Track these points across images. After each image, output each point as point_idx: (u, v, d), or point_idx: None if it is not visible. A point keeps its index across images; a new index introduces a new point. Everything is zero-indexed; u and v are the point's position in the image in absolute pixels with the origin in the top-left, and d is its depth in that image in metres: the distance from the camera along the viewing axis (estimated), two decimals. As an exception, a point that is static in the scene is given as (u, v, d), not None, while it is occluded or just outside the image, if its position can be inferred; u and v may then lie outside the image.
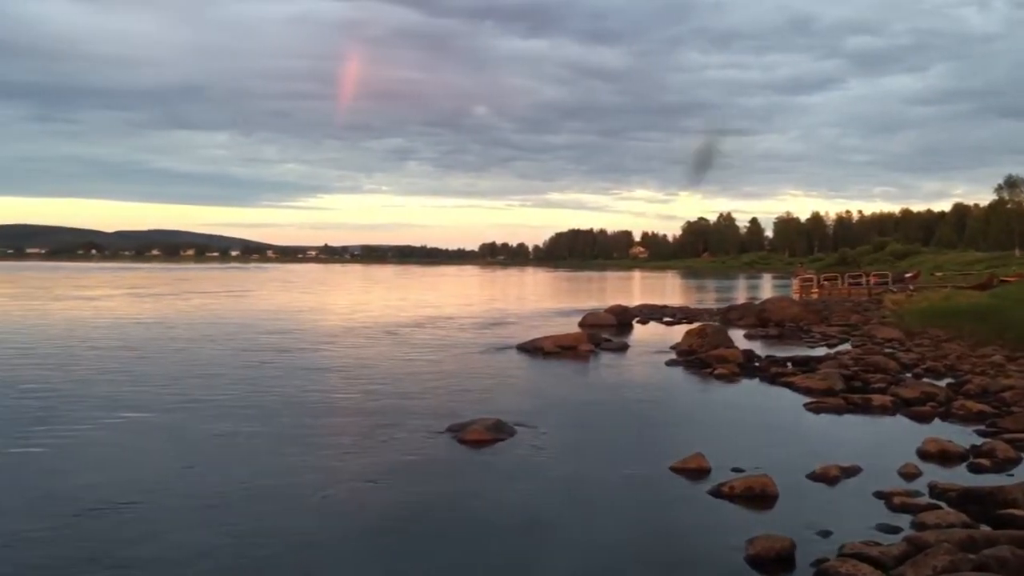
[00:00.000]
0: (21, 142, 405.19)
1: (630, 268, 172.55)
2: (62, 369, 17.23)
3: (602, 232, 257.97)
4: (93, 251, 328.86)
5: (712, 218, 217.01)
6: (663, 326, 31.17)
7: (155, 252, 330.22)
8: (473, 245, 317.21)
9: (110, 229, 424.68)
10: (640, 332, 28.71)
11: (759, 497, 8.63)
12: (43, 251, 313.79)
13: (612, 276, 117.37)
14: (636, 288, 74.67)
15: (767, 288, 71.91)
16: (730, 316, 32.58)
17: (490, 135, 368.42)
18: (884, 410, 13.62)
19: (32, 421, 11.91)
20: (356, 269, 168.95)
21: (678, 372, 18.60)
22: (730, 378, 17.48)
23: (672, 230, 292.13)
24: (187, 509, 8.09)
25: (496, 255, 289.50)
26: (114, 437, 11.19)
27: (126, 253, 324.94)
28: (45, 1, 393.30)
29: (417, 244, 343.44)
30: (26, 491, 8.63)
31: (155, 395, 14.24)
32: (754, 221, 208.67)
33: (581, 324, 28.72)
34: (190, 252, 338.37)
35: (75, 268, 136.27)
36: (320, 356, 20.24)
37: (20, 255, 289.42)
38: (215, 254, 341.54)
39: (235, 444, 10.85)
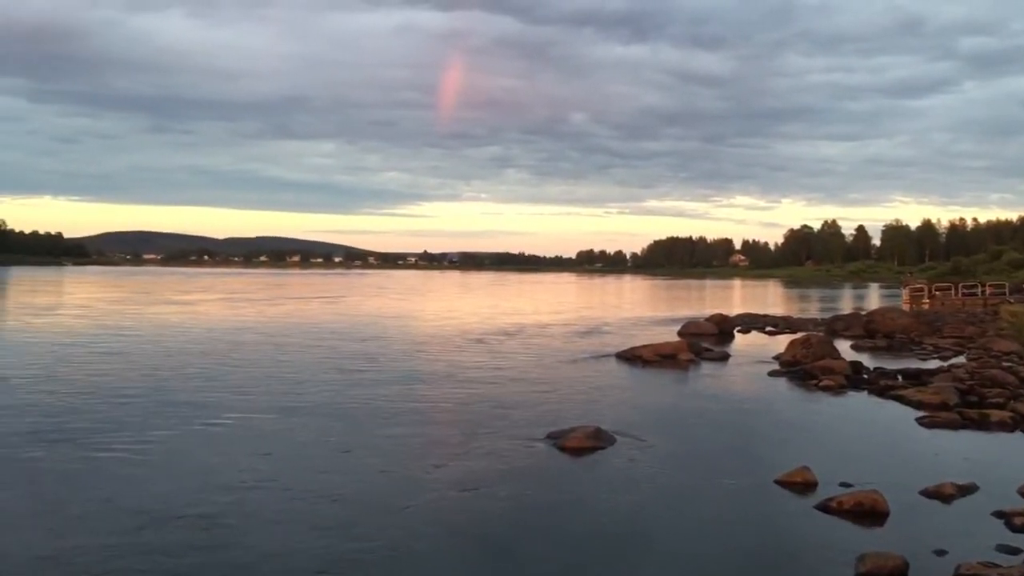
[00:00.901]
0: (138, 152, 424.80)
1: (730, 276, 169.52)
2: (164, 370, 17.96)
3: (701, 240, 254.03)
4: (205, 256, 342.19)
5: (816, 225, 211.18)
6: (765, 336, 30.54)
7: (263, 258, 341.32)
8: (570, 252, 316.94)
9: (221, 235, 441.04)
10: (741, 342, 28.19)
11: (869, 513, 8.39)
12: (159, 257, 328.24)
13: (711, 284, 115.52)
14: (736, 297, 73.30)
15: (874, 298, 69.56)
16: (835, 326, 31.66)
17: (588, 142, 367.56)
18: (1003, 426, 13.03)
19: (131, 420, 12.43)
20: (454, 276, 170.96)
21: (781, 383, 18.20)
22: (836, 390, 17.00)
23: (774, 238, 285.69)
24: (284, 513, 8.23)
25: (594, 263, 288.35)
26: (214, 439, 11.58)
27: (235, 259, 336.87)
28: (161, 17, 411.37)
29: (515, 251, 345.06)
30: (115, 491, 9.01)
31: (254, 398, 14.64)
32: (860, 229, 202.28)
33: (680, 333, 28.39)
34: (295, 258, 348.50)
35: (188, 273, 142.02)
36: (417, 362, 20.53)
37: (137, 260, 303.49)
38: (319, 260, 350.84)
39: (333, 448, 11.06)
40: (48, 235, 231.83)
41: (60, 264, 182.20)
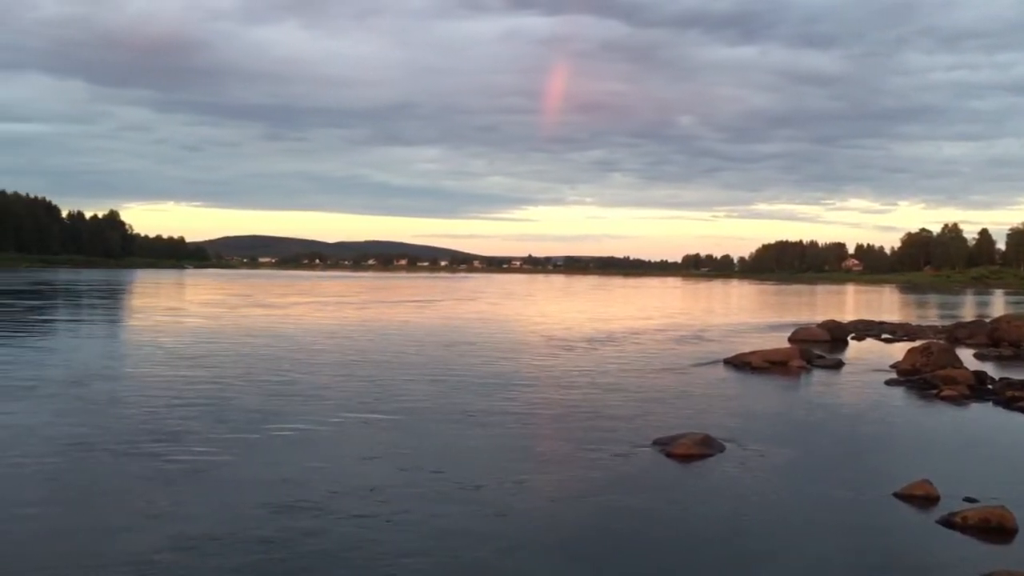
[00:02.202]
0: (255, 160, 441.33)
1: (842, 282, 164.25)
2: (275, 370, 18.53)
3: (812, 244, 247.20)
4: (316, 260, 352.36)
5: (935, 229, 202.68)
6: (881, 343, 29.45)
7: (371, 261, 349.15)
8: (676, 257, 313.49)
9: (332, 240, 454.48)
10: (856, 349, 27.28)
11: (996, 530, 8.00)
12: (273, 260, 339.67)
13: (823, 290, 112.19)
14: (850, 303, 70.99)
15: (999, 305, 66.28)
16: (957, 334, 30.30)
17: (695, 145, 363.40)
18: None
19: (257, 418, 12.84)
20: (558, 279, 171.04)
21: (899, 392, 17.51)
22: (959, 401, 16.25)
23: (890, 242, 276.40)
24: (389, 515, 8.30)
25: (700, 267, 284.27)
26: (321, 440, 11.86)
27: (345, 262, 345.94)
28: (277, 29, 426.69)
29: (619, 255, 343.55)
30: (239, 486, 9.33)
31: (358, 400, 14.87)
32: (984, 232, 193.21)
33: (791, 339, 27.67)
34: (403, 262, 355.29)
35: (300, 276, 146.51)
36: (520, 366, 20.55)
37: (253, 264, 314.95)
38: (425, 264, 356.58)
39: (439, 453, 11.17)
40: (171, 239, 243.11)
41: (182, 267, 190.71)
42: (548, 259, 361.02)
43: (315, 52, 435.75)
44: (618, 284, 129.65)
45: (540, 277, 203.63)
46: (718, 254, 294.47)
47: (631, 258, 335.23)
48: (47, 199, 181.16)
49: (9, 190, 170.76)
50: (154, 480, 9.23)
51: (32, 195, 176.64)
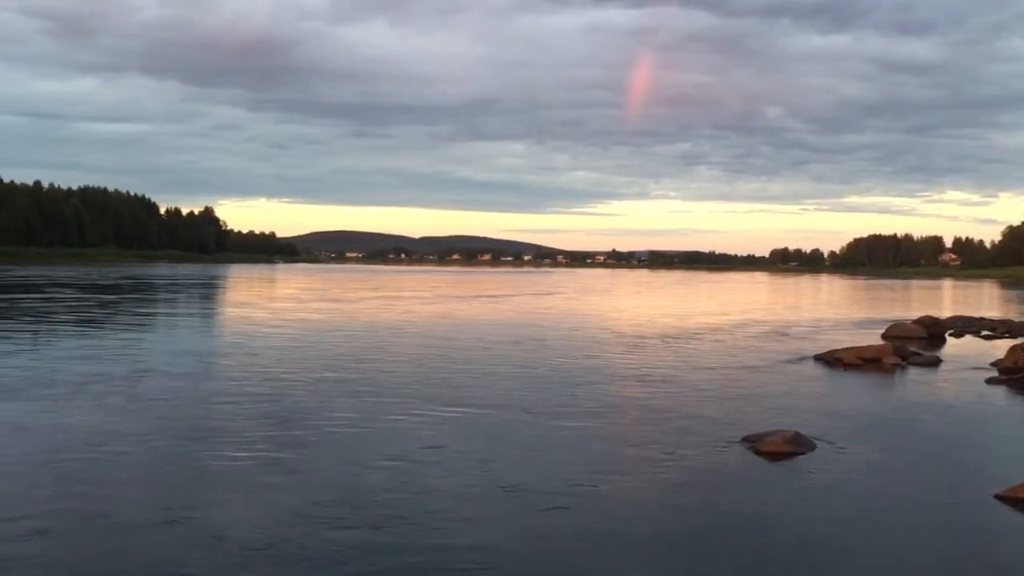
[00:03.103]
0: (342, 156, 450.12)
1: (939, 276, 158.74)
2: (366, 360, 18.88)
3: (907, 237, 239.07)
4: (402, 255, 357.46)
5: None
6: (981, 340, 28.35)
7: (455, 256, 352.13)
8: (763, 251, 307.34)
9: (416, 235, 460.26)
10: (954, 346, 26.33)
11: (1107, 537, 7.64)
12: (360, 255, 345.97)
13: (918, 285, 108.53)
14: (947, 298, 68.53)
15: (1110, 301, 63.07)
16: (1064, 331, 28.95)
17: (783, 137, 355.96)
18: None
19: (341, 411, 13.11)
20: (642, 274, 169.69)
21: (1000, 391, 16.84)
22: (1066, 401, 15.55)
23: (990, 235, 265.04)
24: (478, 509, 8.37)
25: (788, 261, 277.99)
26: (406, 432, 11.99)
27: (430, 257, 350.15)
28: (364, 28, 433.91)
29: (705, 250, 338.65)
30: (328, 477, 9.53)
31: (446, 392, 15.05)
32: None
33: (885, 336, 26.87)
34: (486, 257, 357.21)
35: (386, 270, 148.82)
36: (605, 362, 20.49)
37: (340, 258, 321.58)
38: (509, 258, 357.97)
39: (526, 446, 11.21)
40: (263, 235, 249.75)
41: (272, 262, 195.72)
42: (632, 254, 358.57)
43: (401, 50, 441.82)
44: (703, 279, 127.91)
45: (624, 272, 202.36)
46: (807, 248, 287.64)
47: (717, 252, 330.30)
48: (146, 196, 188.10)
49: (111, 188, 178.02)
50: (230, 472, 9.49)
51: (132, 192, 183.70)
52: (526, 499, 8.59)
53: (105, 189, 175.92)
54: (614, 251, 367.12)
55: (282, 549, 7.02)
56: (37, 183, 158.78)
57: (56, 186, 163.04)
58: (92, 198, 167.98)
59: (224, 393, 14.30)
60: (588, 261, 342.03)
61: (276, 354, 19.90)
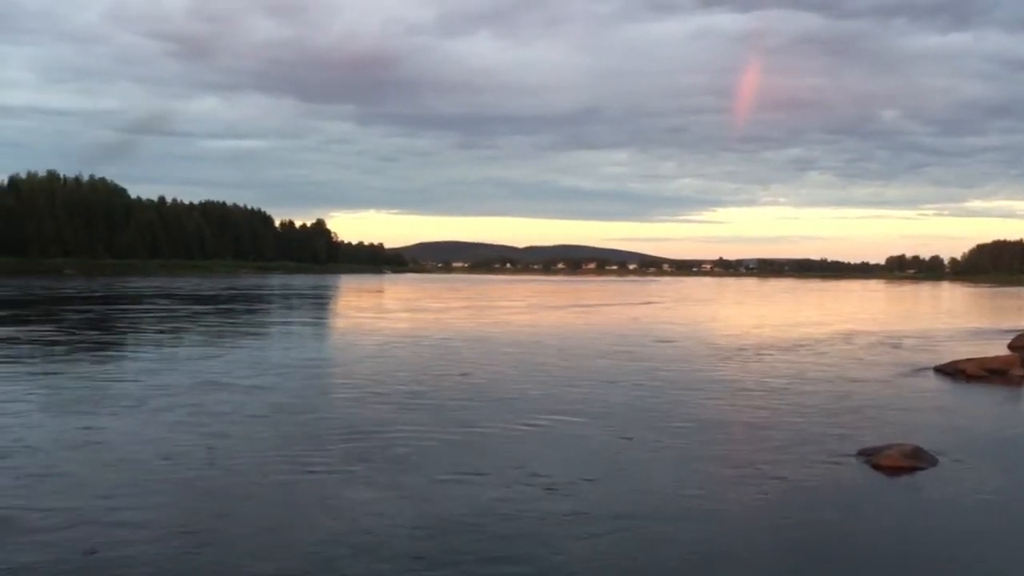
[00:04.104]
0: (448, 168, 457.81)
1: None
2: (475, 367, 19.02)
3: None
4: (507, 264, 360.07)
5: None
6: (1119, 352, 26.62)
7: (560, 266, 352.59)
8: (879, 258, 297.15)
9: (522, 244, 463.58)
10: (1089, 358, 24.78)
11: None
12: (466, 265, 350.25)
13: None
14: (1081, 307, 64.64)
15: None
16: None
17: (899, 140, 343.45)
18: None
19: (498, 414, 13.25)
20: (750, 283, 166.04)
21: None
22: None
23: None
24: (582, 519, 8.30)
25: (905, 268, 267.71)
26: (515, 440, 12.02)
27: (535, 266, 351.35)
28: (470, 41, 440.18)
29: (816, 257, 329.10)
30: (441, 481, 9.62)
31: (551, 402, 15.00)
32: None
33: (1012, 346, 25.54)
34: (591, 266, 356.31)
35: (490, 280, 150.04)
36: (710, 372, 20.03)
37: (447, 268, 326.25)
38: (614, 267, 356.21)
39: (633, 456, 11.12)
40: (371, 245, 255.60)
41: (380, 272, 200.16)
42: (740, 262, 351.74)
43: (505, 61, 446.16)
44: (814, 287, 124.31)
45: (730, 281, 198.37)
46: (926, 255, 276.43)
47: (829, 260, 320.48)
48: (262, 209, 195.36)
49: (229, 202, 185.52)
50: (349, 471, 9.71)
51: (249, 206, 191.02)
52: (632, 516, 8.42)
53: (224, 203, 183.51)
54: (721, 259, 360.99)
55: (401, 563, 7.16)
56: (161, 198, 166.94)
57: (179, 201, 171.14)
58: (212, 212, 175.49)
59: (328, 403, 14.73)
60: (694, 270, 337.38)
61: (372, 363, 20.28)
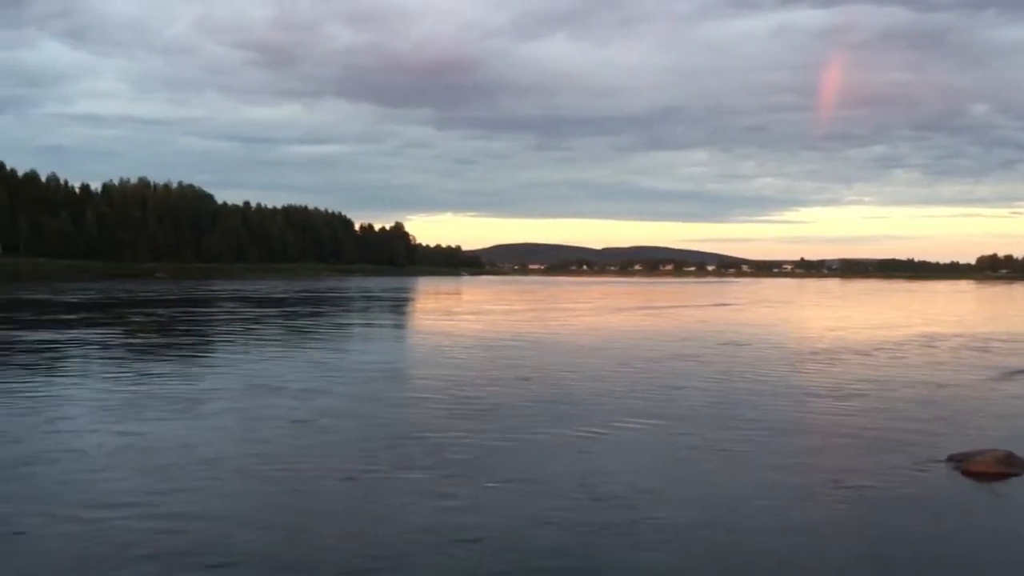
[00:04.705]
0: (525, 170, 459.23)
1: None
2: (554, 370, 19.08)
3: None
4: (584, 266, 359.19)
5: None
6: None
7: (637, 267, 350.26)
8: (969, 258, 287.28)
9: (598, 246, 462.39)
10: None
11: None
12: (542, 267, 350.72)
13: None
14: None
15: None
16: None
17: (991, 136, 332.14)
18: None
19: (558, 419, 13.30)
20: (832, 284, 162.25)
21: None
22: None
23: None
24: (649, 526, 8.26)
25: (997, 268, 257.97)
26: (597, 443, 12.00)
27: (611, 268, 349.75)
28: (547, 43, 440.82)
29: (902, 257, 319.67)
30: (546, 477, 9.65)
31: (628, 405, 14.93)
32: None
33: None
34: (669, 267, 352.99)
35: (563, 282, 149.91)
36: (790, 374, 19.56)
37: (523, 270, 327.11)
38: (691, 268, 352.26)
39: (713, 459, 10.98)
40: (449, 248, 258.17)
41: (458, 274, 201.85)
42: (822, 262, 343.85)
43: (582, 63, 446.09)
44: (899, 288, 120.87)
45: (811, 281, 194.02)
46: (1020, 254, 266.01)
47: (916, 260, 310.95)
48: (342, 213, 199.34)
49: (311, 206, 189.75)
50: (394, 479, 9.85)
51: (330, 210, 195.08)
52: (704, 526, 8.31)
53: (305, 207, 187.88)
54: (802, 260, 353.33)
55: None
56: (246, 203, 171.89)
57: (263, 206, 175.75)
58: (294, 216, 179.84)
59: (379, 408, 14.85)
60: (774, 271, 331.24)
61: (428, 367, 20.46)
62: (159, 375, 17.79)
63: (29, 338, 25.03)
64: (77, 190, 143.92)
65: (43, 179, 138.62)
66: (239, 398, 14.93)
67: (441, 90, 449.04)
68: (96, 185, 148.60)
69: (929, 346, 27.28)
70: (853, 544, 7.81)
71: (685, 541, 7.70)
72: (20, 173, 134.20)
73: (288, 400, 14.69)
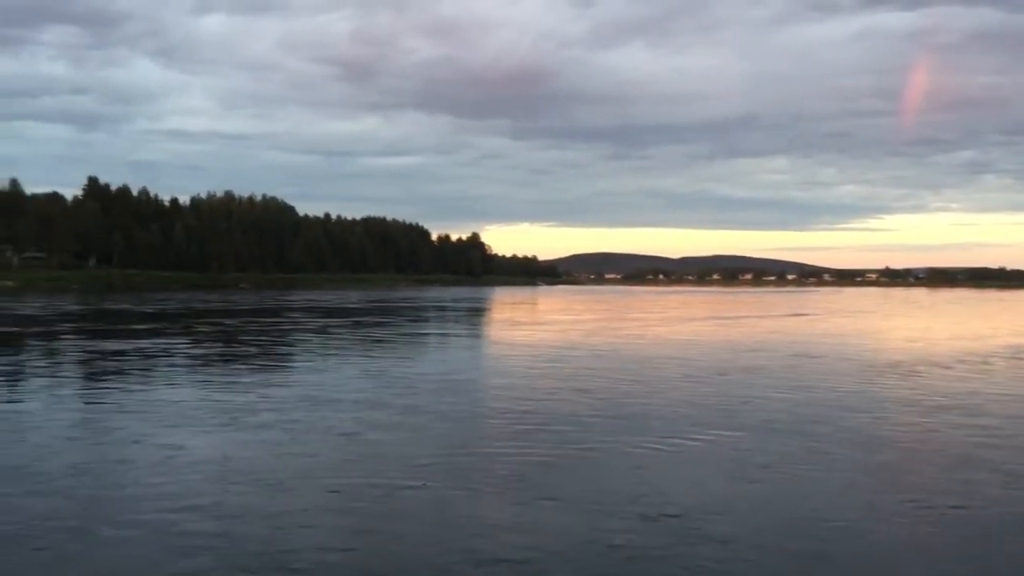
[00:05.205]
0: (601, 179, 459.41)
1: None
2: (628, 382, 18.97)
3: None
4: (660, 276, 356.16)
5: None
6: None
7: (715, 276, 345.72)
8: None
9: (675, 255, 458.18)
10: None
11: None
12: (618, 276, 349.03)
13: None
14: None
15: None
16: None
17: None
18: None
19: (616, 432, 13.01)
20: (918, 293, 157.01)
21: None
22: None
23: None
24: (720, 548, 8.08)
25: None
26: (677, 455, 11.73)
27: (689, 277, 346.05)
28: (623, 52, 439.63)
29: (993, 266, 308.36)
30: (611, 490, 9.42)
31: (705, 415, 14.58)
32: None
33: None
34: (748, 276, 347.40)
35: (639, 291, 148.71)
36: (862, 388, 18.85)
37: (599, 280, 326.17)
38: (771, 278, 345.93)
39: (792, 471, 10.66)
40: (525, 258, 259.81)
41: (534, 284, 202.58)
42: (908, 271, 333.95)
43: (658, 71, 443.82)
44: (990, 297, 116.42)
45: (897, 291, 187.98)
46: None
47: (1008, 268, 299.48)
48: (420, 224, 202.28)
49: (389, 217, 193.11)
50: (503, 485, 9.71)
51: (408, 221, 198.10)
52: (794, 525, 8.20)
53: (384, 218, 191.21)
54: (887, 268, 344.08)
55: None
56: (327, 215, 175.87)
57: (343, 217, 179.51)
58: (373, 227, 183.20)
59: (470, 413, 14.85)
60: (857, 280, 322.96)
61: (486, 377, 20.34)
62: (214, 384, 17.87)
63: (98, 347, 25.94)
64: (167, 204, 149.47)
65: (135, 193, 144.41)
66: (290, 409, 14.60)
67: (516, 101, 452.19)
68: (184, 199, 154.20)
69: (1016, 358, 26.34)
70: (946, 569, 7.52)
71: (757, 568, 7.39)
72: (113, 188, 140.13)
73: (342, 412, 14.41)
